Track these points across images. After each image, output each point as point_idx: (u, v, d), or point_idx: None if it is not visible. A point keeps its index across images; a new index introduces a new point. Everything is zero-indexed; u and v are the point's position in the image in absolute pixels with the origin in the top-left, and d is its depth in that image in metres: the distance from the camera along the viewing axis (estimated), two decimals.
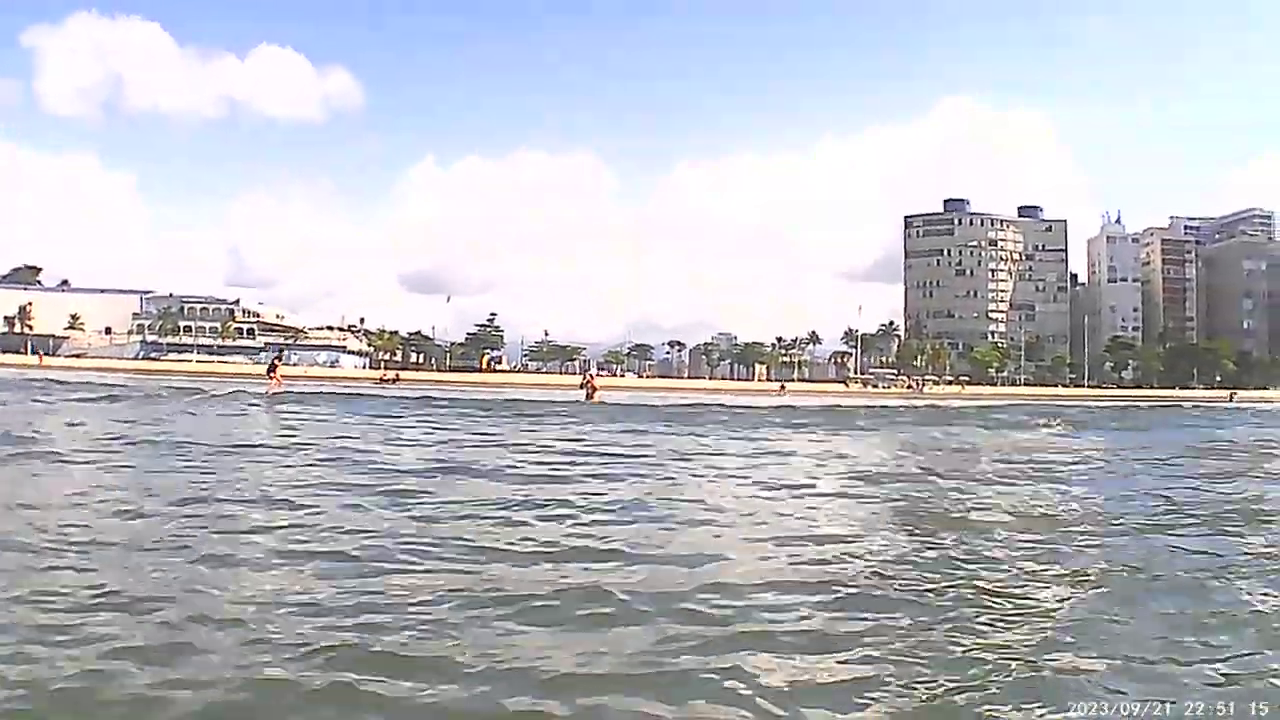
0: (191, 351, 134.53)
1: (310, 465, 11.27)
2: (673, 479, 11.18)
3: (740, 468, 12.97)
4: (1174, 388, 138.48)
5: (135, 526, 6.84)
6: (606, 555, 6.33)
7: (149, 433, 14.93)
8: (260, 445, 13.84)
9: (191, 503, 7.93)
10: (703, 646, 4.31)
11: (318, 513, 7.64)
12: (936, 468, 13.84)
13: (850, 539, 7.30)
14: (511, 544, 6.64)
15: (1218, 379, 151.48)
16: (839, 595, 5.31)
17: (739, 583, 5.57)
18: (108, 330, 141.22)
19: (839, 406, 39.03)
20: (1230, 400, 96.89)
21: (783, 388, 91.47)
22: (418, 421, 20.73)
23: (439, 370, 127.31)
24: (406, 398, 33.09)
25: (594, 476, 10.91)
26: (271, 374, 34.56)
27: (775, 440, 18.82)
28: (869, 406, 38.87)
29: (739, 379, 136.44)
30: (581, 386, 51.17)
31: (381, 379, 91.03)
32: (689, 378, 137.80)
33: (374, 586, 5.28)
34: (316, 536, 6.68)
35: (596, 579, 5.55)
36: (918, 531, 7.89)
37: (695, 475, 11.94)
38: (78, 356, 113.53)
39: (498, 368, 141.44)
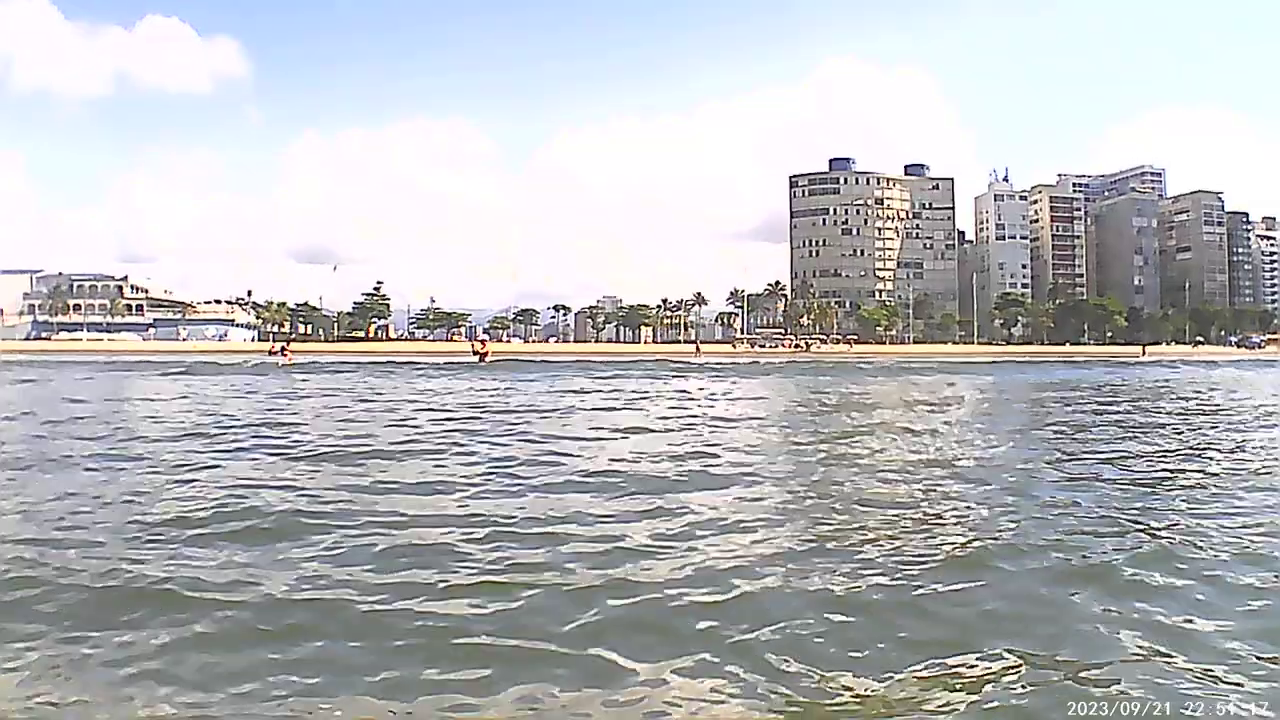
0: (81, 330, 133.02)
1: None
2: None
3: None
4: (1064, 343, 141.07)
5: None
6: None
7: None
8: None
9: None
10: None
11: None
12: None
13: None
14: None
15: (1109, 334, 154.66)
16: None
17: None
18: None
19: (742, 363, 51.95)
20: (1143, 354, 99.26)
21: (698, 349, 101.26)
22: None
23: (327, 340, 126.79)
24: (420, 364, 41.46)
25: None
26: (284, 352, 49.88)
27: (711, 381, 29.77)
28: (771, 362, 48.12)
29: (625, 342, 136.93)
30: (475, 353, 53.60)
31: (271, 351, 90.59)
32: (575, 342, 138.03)
33: None
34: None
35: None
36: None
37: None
38: None
39: (385, 336, 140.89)
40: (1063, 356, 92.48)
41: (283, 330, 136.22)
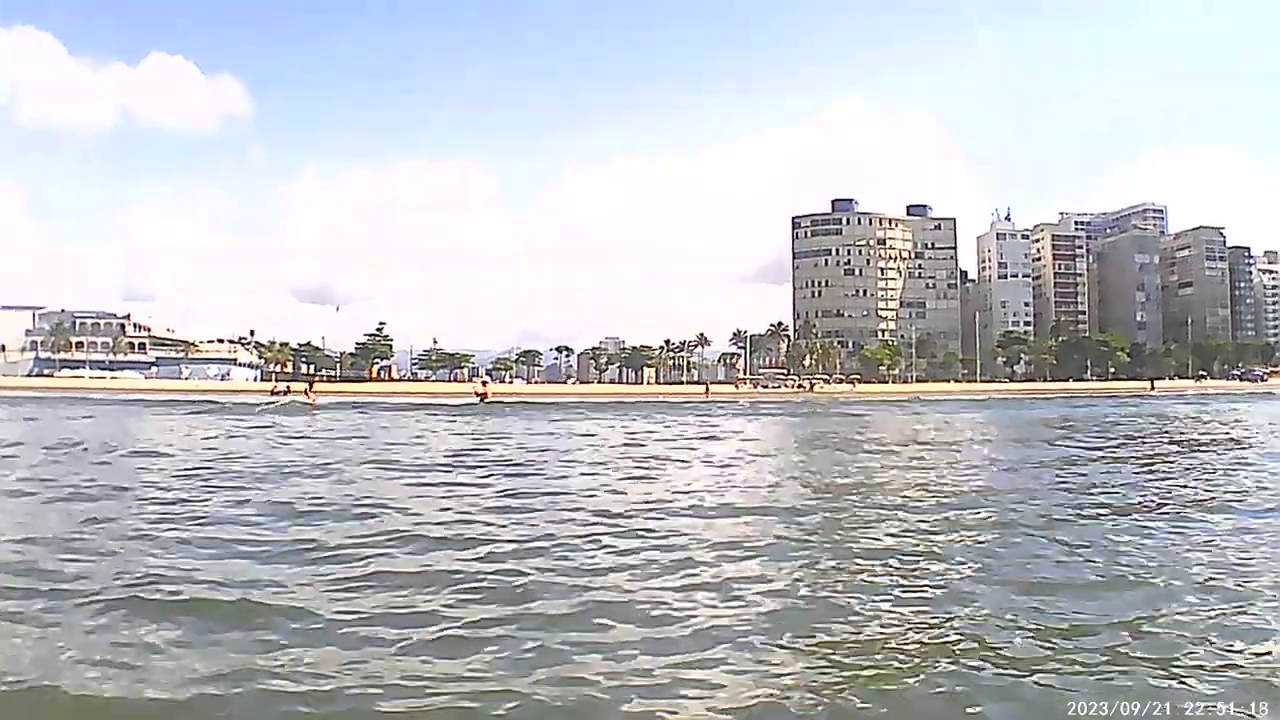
0: (84, 367, 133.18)
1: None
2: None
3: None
4: (1067, 380, 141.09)
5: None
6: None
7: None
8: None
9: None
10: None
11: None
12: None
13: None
14: None
15: (1111, 370, 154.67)
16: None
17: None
18: (1, 348, 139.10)
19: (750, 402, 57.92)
20: (1151, 389, 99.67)
21: (708, 389, 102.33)
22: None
23: (329, 380, 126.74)
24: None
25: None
26: (309, 392, 50.67)
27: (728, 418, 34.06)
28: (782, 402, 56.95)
29: (627, 383, 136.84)
30: (476, 394, 52.95)
31: (274, 391, 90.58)
32: (579, 382, 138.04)
33: None
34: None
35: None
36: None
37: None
38: None
39: (387, 376, 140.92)
40: (1066, 393, 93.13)
41: (285, 370, 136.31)
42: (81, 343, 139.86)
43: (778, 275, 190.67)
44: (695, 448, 18.26)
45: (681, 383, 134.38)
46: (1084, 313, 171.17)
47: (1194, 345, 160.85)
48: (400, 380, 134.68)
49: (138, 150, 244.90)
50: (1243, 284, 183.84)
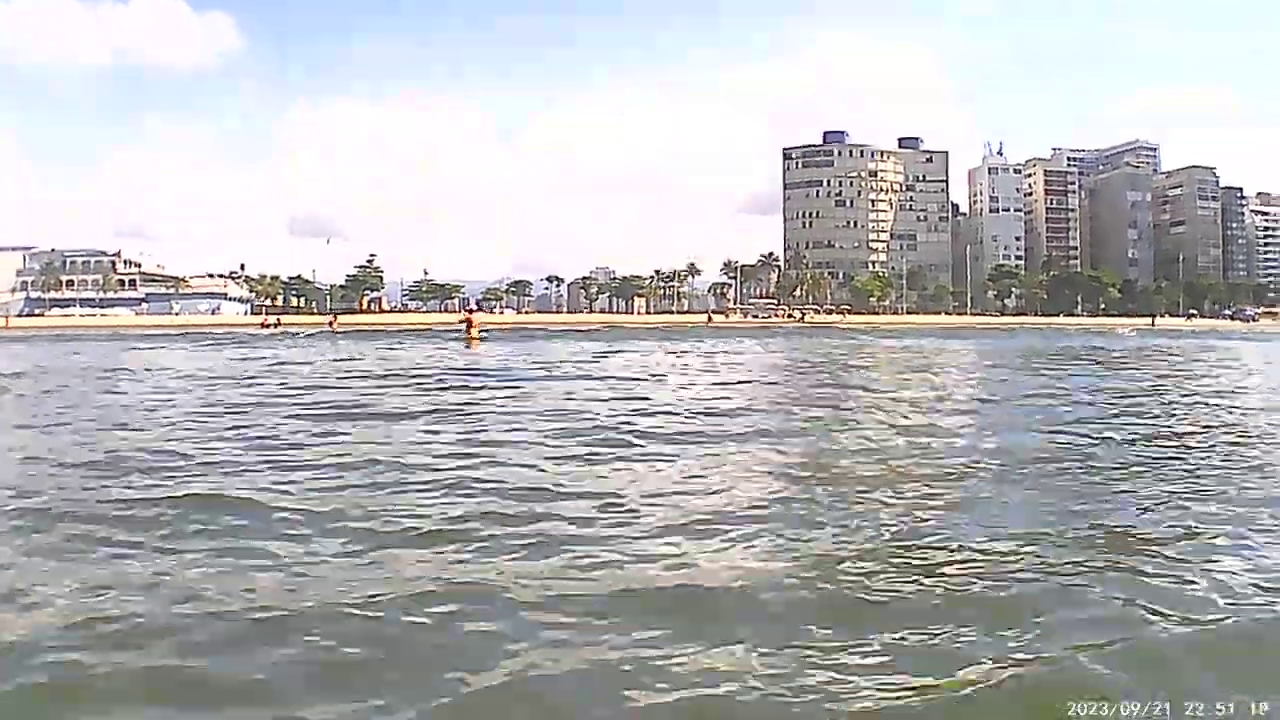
0: (74, 305, 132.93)
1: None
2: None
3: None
4: (1058, 314, 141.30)
5: None
6: None
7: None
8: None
9: None
10: None
11: None
12: None
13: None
14: None
15: (1102, 306, 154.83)
16: None
17: None
18: None
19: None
20: (1153, 326, 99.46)
21: (710, 318, 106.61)
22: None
23: (319, 314, 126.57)
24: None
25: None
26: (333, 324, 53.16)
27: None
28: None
29: (618, 312, 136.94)
30: (461, 323, 41.18)
31: (264, 324, 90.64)
32: (569, 312, 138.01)
33: None
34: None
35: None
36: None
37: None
38: None
39: (377, 308, 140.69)
40: (1079, 328, 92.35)
41: (275, 304, 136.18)
42: (72, 281, 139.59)
43: (769, 206, 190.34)
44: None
45: (672, 312, 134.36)
46: (1075, 248, 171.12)
47: (1185, 283, 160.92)
48: (390, 311, 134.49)
49: (129, 88, 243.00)
50: (1235, 224, 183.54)
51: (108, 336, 53.94)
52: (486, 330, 46.56)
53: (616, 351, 27.43)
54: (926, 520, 5.29)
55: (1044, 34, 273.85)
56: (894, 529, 5.09)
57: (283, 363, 22.55)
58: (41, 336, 56.53)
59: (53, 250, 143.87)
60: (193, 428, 9.37)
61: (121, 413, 11.17)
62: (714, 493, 6.07)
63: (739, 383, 16.10)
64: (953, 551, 4.62)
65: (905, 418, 10.47)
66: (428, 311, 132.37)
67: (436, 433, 8.96)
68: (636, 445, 8.05)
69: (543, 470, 6.80)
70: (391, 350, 29.08)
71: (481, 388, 14.13)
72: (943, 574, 4.22)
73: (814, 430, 9.51)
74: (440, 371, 18.01)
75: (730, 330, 65.51)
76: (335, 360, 23.66)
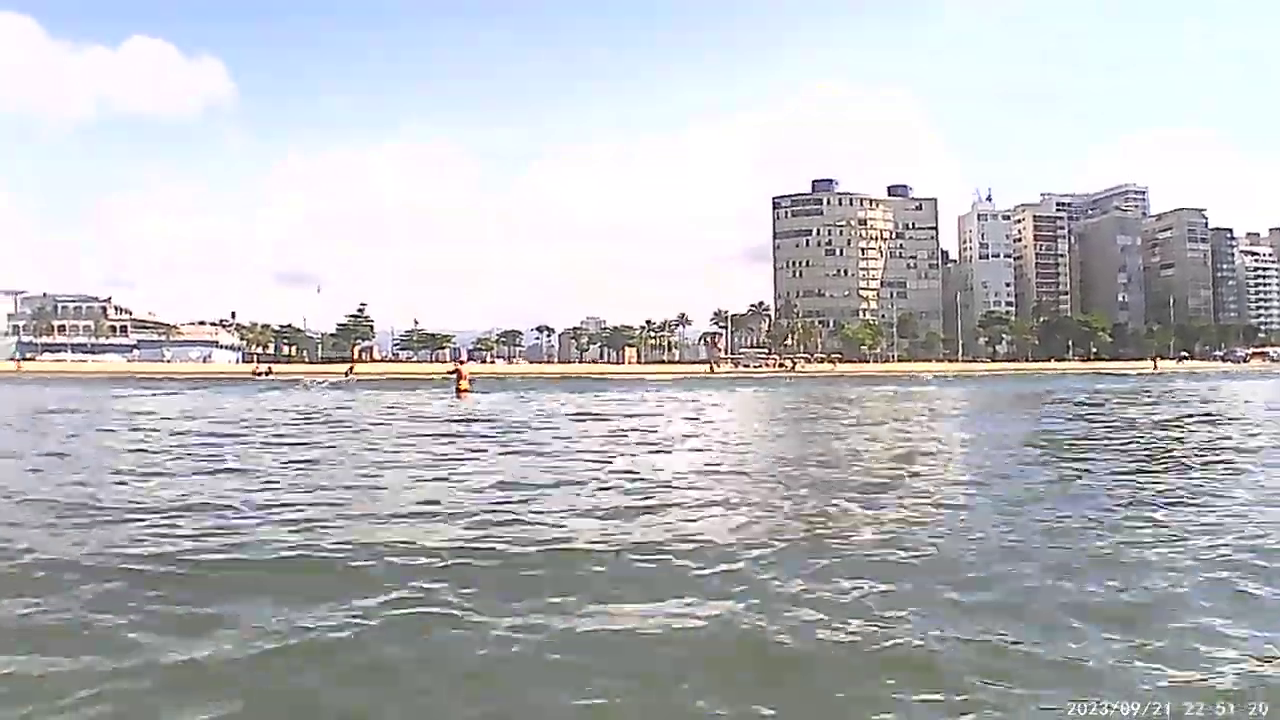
0: (66, 350, 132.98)
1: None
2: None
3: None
4: (1049, 359, 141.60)
5: None
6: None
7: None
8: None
9: None
10: None
11: None
12: None
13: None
14: None
15: (1094, 351, 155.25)
16: None
17: None
18: None
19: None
20: (1155, 369, 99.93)
21: (712, 367, 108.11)
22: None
23: (310, 362, 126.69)
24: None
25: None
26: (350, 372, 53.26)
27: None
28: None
29: (609, 362, 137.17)
30: (451, 374, 38.70)
31: (255, 372, 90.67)
32: (560, 362, 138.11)
33: None
34: None
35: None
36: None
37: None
38: None
39: (369, 358, 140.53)
40: (1073, 372, 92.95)
41: (266, 351, 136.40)
42: (64, 326, 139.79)
43: (759, 256, 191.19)
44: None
45: (663, 362, 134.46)
46: (1066, 293, 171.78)
47: (1177, 326, 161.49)
48: (381, 361, 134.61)
49: (119, 134, 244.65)
50: (1225, 265, 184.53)
51: (128, 380, 57.94)
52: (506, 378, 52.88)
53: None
54: None
55: (1031, 80, 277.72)
56: None
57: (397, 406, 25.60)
58: (64, 380, 59.40)
59: (44, 295, 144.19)
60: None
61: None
62: None
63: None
64: None
65: None
66: (418, 361, 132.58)
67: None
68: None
69: None
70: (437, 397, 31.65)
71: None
72: None
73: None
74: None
75: (737, 379, 68.20)
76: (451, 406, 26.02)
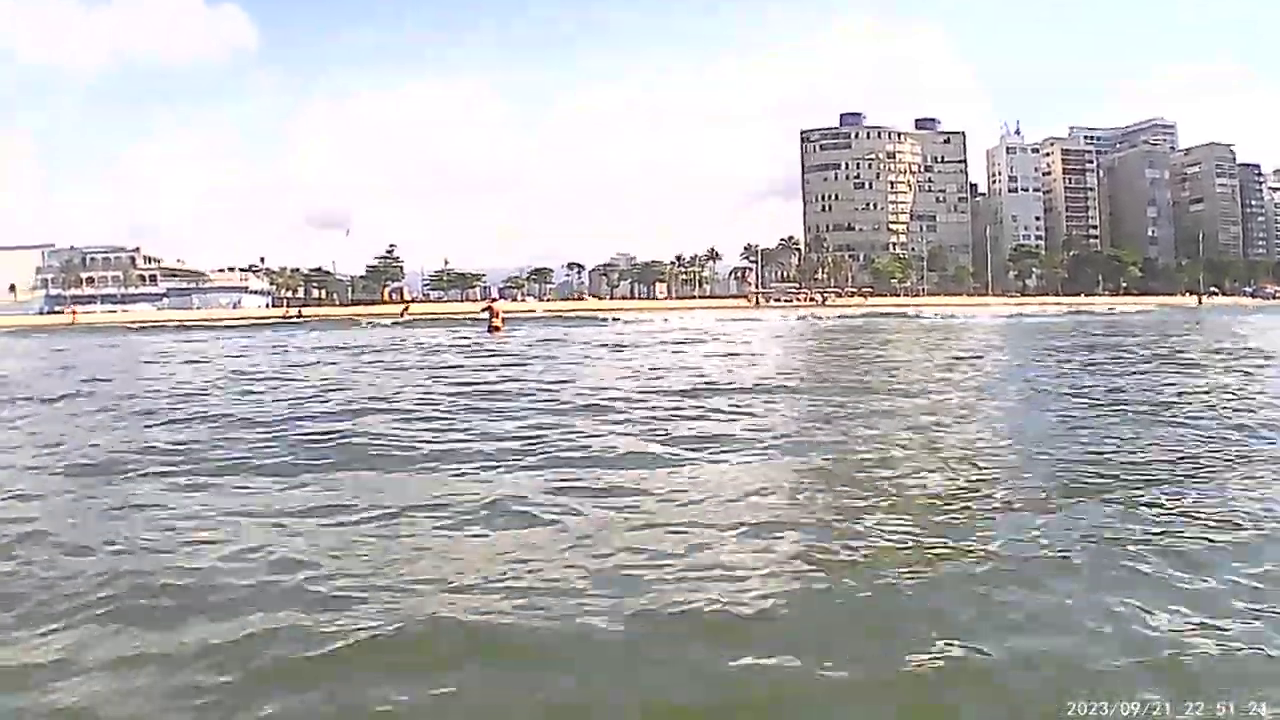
0: (95, 302, 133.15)
1: None
2: None
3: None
4: (1079, 294, 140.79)
5: None
6: None
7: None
8: None
9: None
10: None
11: None
12: None
13: None
14: None
15: (1123, 285, 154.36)
16: None
17: None
18: (12, 288, 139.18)
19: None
20: (1199, 304, 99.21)
21: (757, 302, 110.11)
22: None
23: (340, 305, 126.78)
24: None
25: None
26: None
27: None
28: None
29: (640, 298, 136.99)
30: (485, 312, 36.96)
31: (286, 315, 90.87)
32: (590, 298, 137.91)
33: None
34: None
35: None
36: None
37: None
38: None
39: (399, 299, 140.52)
40: (1108, 307, 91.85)
41: (296, 296, 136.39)
42: (92, 278, 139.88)
43: (788, 190, 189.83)
44: None
45: (694, 297, 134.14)
46: (1095, 227, 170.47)
47: (1206, 261, 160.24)
48: (412, 301, 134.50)
49: (144, 84, 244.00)
50: (1253, 201, 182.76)
51: (182, 327, 60.13)
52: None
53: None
54: None
55: (1060, 12, 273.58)
56: None
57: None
58: (116, 329, 60.05)
59: (71, 247, 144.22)
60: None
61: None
62: None
63: None
64: None
65: None
66: (448, 301, 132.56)
67: None
68: None
69: None
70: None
71: None
72: None
73: None
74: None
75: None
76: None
